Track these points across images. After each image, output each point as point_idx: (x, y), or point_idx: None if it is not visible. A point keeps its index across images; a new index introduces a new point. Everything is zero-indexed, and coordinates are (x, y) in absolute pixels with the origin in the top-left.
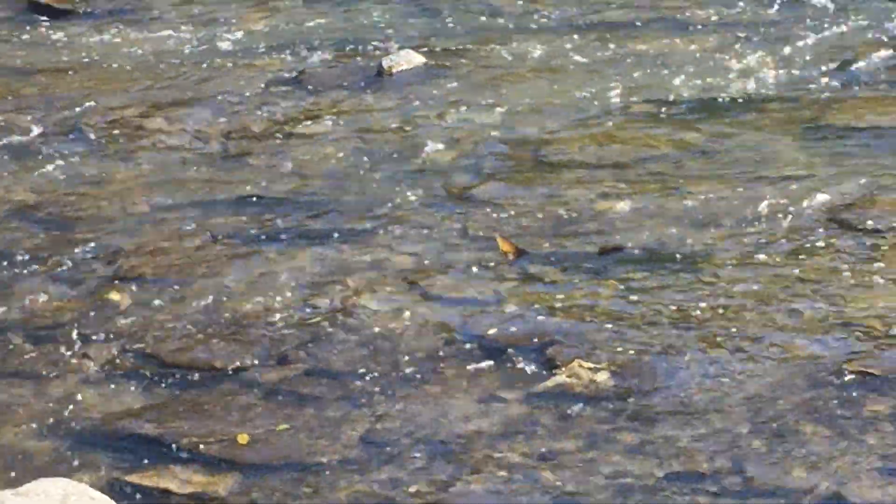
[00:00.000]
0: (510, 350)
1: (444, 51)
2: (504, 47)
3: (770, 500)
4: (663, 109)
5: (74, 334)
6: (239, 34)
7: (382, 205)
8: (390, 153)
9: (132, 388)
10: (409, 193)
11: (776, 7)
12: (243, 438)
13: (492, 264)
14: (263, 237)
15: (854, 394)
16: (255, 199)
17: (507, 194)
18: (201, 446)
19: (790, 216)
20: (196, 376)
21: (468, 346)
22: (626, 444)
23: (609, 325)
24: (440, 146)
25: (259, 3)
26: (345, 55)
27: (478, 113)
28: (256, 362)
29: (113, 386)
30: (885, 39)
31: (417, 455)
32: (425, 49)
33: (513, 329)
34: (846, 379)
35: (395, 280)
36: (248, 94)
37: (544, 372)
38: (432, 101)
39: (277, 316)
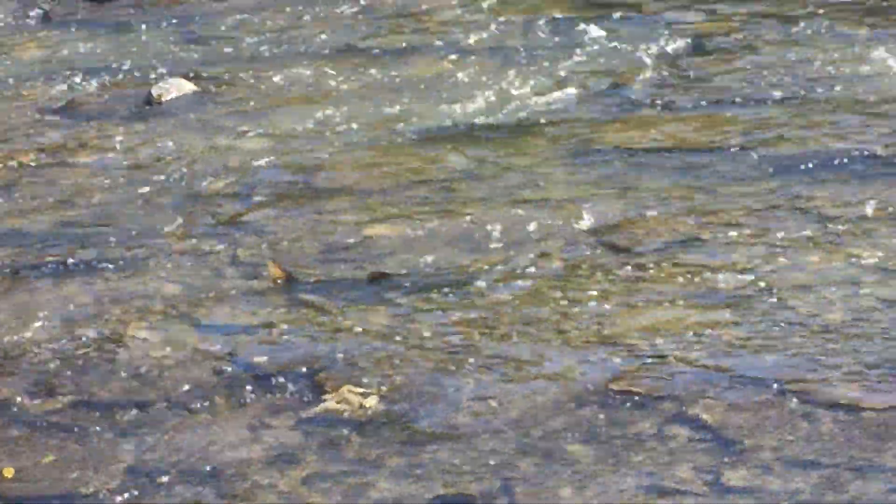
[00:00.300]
0: (279, 377)
1: (213, 78)
2: (274, 74)
3: None
4: (432, 134)
5: None
6: (6, 63)
7: (151, 234)
8: (160, 182)
9: None
10: (178, 222)
11: (545, 31)
12: (8, 472)
13: (262, 291)
14: (30, 268)
15: (619, 413)
16: (21, 230)
17: (277, 221)
18: None
19: (557, 238)
20: None
21: (237, 373)
22: (394, 467)
23: (378, 350)
24: (210, 174)
25: (27, 32)
26: (115, 84)
27: (248, 140)
28: (21, 394)
29: None
30: (650, 62)
31: (186, 484)
32: (195, 76)
33: (282, 356)
34: (611, 399)
35: (164, 309)
36: (14, 123)
37: (314, 398)
38: (202, 129)
39: (44, 347)
